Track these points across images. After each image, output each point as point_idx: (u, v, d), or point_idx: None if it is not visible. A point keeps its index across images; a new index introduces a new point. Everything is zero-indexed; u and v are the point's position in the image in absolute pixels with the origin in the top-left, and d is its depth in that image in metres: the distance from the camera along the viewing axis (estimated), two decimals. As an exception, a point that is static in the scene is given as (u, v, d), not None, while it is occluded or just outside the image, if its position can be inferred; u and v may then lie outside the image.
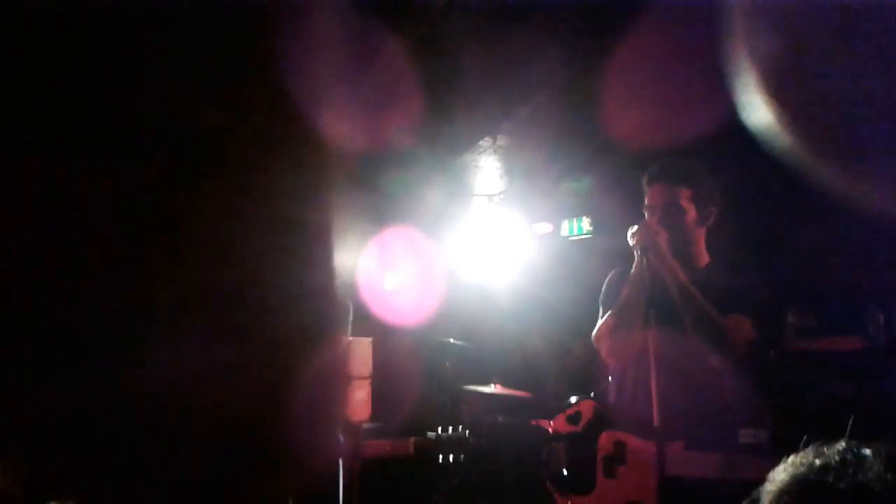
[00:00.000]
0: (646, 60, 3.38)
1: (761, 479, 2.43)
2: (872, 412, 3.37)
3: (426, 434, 2.97)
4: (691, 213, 2.67)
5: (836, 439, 1.08)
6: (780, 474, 1.07)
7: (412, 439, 2.95)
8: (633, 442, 2.65)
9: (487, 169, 4.70)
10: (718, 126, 3.48)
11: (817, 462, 1.03)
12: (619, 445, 2.68)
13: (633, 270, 2.66)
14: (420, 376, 5.14)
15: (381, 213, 4.92)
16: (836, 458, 1.03)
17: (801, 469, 1.04)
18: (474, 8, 3.27)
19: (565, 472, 2.74)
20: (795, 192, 3.66)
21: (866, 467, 1.00)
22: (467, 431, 2.94)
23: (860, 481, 0.98)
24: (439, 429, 2.95)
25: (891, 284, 3.59)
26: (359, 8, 3.19)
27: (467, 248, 5.27)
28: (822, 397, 3.46)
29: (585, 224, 5.02)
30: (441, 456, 2.89)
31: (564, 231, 5.10)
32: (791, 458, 1.09)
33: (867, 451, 1.02)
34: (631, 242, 2.66)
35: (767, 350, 2.91)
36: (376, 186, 4.67)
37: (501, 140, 4.24)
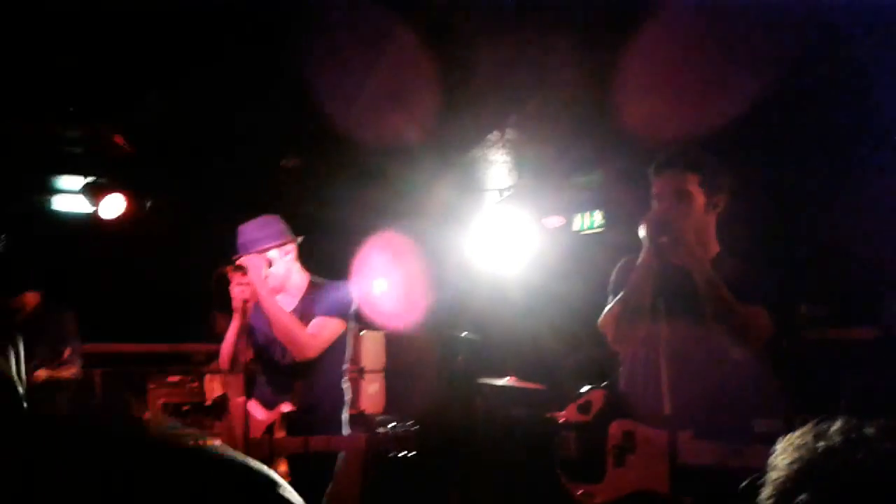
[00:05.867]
0: (656, 53, 3.36)
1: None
2: (885, 401, 3.34)
3: (377, 430, 2.99)
4: (700, 199, 2.64)
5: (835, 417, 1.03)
6: (782, 459, 0.99)
7: (364, 435, 2.97)
8: (643, 431, 2.63)
9: (497, 163, 4.70)
10: (729, 117, 3.47)
11: (819, 445, 0.97)
12: (629, 435, 2.66)
13: (640, 258, 2.64)
14: (434, 370, 5.15)
15: (392, 210, 4.93)
16: (839, 438, 0.97)
17: (803, 453, 0.97)
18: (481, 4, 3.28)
19: (576, 461, 2.74)
20: (806, 181, 3.64)
21: (872, 446, 0.97)
22: (416, 426, 2.92)
23: (866, 463, 0.93)
24: (390, 424, 2.96)
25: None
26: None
27: (479, 244, 5.28)
28: (835, 386, 3.43)
29: (598, 218, 5.01)
30: (391, 452, 2.89)
31: (576, 225, 5.09)
32: (788, 439, 1.03)
33: (870, 430, 0.99)
34: (641, 233, 2.64)
35: (780, 340, 2.88)
36: (388, 183, 4.68)
37: (510, 134, 4.23)
